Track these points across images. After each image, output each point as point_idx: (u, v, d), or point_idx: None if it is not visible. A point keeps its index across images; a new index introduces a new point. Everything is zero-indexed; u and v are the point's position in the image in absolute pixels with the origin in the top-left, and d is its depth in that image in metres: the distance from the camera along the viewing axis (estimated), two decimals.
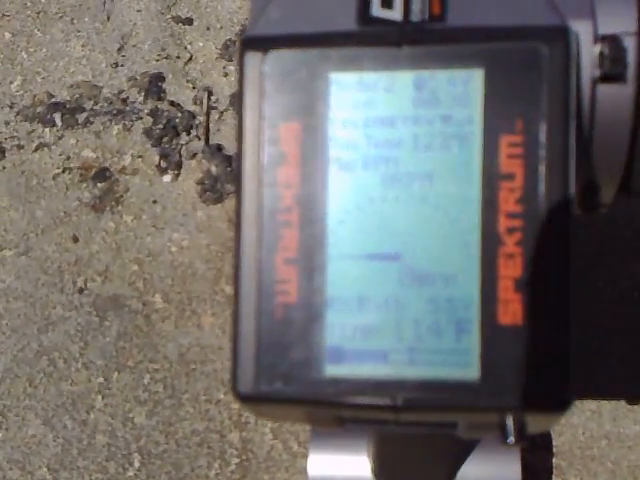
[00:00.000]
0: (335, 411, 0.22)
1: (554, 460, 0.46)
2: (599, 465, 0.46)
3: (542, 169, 0.21)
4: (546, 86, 0.22)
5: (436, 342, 0.22)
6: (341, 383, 0.22)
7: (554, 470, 0.46)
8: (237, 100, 0.23)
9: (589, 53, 0.23)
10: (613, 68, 0.23)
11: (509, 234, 0.21)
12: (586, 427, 0.47)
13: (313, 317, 0.22)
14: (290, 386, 0.22)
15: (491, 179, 0.22)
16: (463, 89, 0.22)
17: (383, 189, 0.22)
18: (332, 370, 0.22)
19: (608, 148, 0.24)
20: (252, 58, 0.22)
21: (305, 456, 0.47)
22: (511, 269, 0.21)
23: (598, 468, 0.46)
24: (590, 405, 0.48)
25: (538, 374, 0.21)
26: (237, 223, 0.22)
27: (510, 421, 0.22)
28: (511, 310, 0.21)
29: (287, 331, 0.22)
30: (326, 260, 0.22)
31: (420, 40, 0.22)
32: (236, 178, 0.23)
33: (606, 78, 0.23)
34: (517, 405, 0.21)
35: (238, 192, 0.23)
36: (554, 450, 0.47)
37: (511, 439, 0.22)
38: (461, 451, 0.41)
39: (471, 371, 0.22)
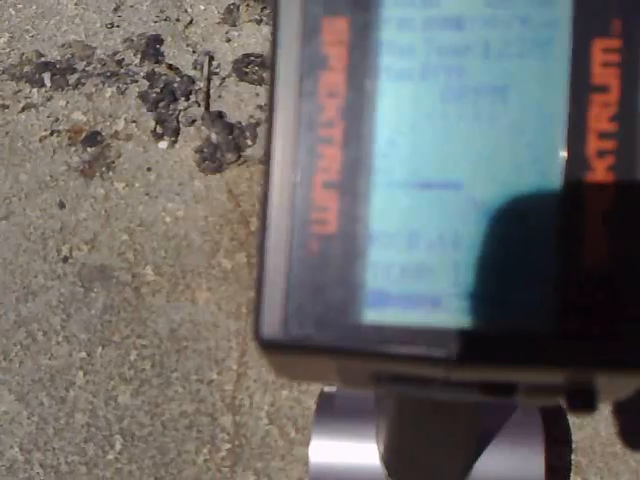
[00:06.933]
0: (374, 364, 0.19)
1: (573, 457, 0.43)
2: (622, 463, 0.43)
3: None
4: None
5: (501, 288, 0.18)
6: (383, 330, 0.18)
7: (573, 467, 0.43)
8: None
9: None
10: None
11: (599, 158, 0.18)
12: (608, 421, 0.44)
13: (354, 252, 0.18)
14: (323, 332, 0.18)
15: (580, 92, 0.18)
16: None
17: (444, 104, 0.19)
18: (373, 315, 0.18)
19: None
20: None
21: (303, 444, 0.43)
22: (599, 201, 0.18)
23: (620, 467, 0.43)
24: None
25: (624, 329, 0.18)
26: (267, 138, 0.19)
27: (580, 384, 0.18)
28: (598, 251, 0.18)
29: (323, 267, 0.18)
30: (372, 186, 0.19)
31: None
32: (269, 85, 0.19)
33: None
34: (596, 362, 0.18)
35: (270, 101, 0.19)
36: (573, 446, 0.43)
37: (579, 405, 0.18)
38: (480, 440, 0.38)
39: (543, 322, 0.18)
